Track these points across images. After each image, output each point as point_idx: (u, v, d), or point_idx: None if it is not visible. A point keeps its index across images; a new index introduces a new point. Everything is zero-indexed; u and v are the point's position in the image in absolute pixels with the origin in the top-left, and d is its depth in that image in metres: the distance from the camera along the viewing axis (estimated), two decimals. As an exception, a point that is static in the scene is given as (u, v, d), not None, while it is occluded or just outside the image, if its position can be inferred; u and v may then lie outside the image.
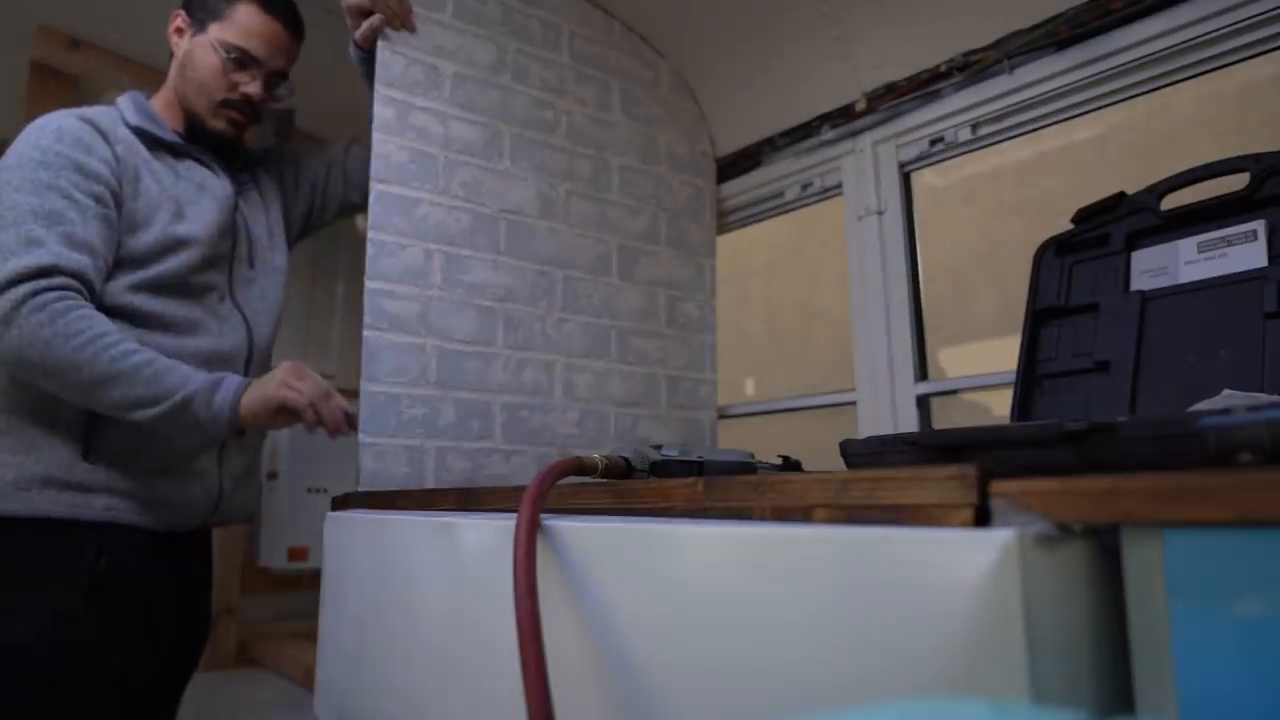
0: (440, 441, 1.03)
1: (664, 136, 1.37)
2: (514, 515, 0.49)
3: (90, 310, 0.85)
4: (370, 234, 1.02)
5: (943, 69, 1.17)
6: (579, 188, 1.24)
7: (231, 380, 0.89)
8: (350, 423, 0.93)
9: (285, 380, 0.90)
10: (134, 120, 0.97)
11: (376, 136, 1.03)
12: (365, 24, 1.03)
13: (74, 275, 0.85)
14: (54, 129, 0.91)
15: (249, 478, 1.08)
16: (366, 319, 0.99)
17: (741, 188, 1.46)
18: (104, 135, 0.93)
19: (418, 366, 1.03)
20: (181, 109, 1.01)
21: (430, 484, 1.01)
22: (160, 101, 1.02)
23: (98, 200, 0.89)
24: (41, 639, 0.87)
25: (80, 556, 0.90)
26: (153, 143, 0.98)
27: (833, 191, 1.35)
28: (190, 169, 1.01)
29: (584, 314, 1.23)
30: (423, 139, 1.08)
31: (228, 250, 1.02)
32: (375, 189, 1.03)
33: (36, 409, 0.90)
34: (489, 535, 0.60)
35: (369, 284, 1.00)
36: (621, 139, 1.31)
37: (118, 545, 0.92)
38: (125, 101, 0.99)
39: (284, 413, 0.90)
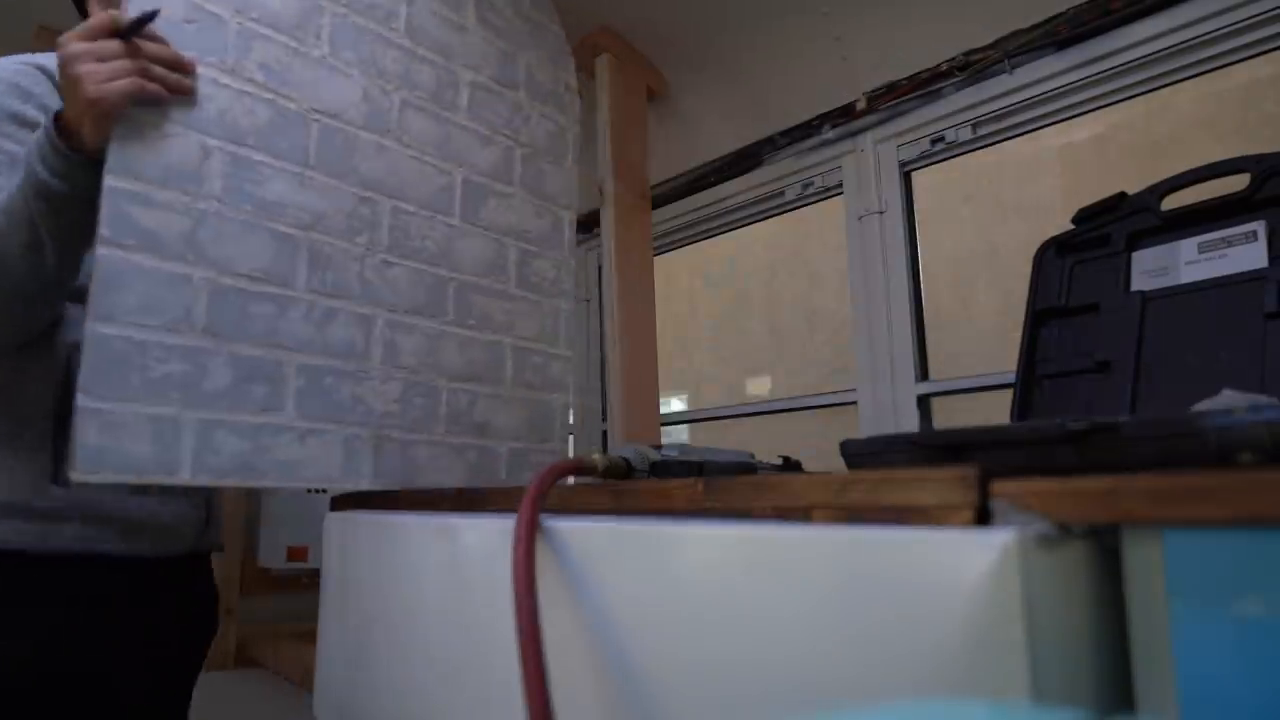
0: (205, 412, 0.75)
1: (524, 58, 1.14)
2: (513, 515, 0.49)
3: None
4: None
5: (943, 69, 1.17)
6: (418, 99, 0.99)
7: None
8: (135, 28, 0.71)
9: (69, 59, 0.69)
10: None
11: None
12: None
13: None
14: None
15: (221, 493, 0.99)
16: (102, 229, 0.70)
17: (741, 187, 1.46)
18: (52, 79, 0.80)
19: (179, 304, 0.74)
20: None
21: (185, 474, 0.73)
22: None
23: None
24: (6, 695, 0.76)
25: (50, 596, 0.78)
26: None
27: (833, 191, 1.35)
28: None
29: (415, 259, 0.96)
30: (208, -10, 0.79)
31: None
32: None
33: None
34: (489, 536, 0.60)
35: (108, 179, 0.71)
36: (474, 50, 1.07)
37: (94, 580, 0.81)
38: None
39: (86, 91, 0.68)
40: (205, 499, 0.93)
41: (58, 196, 0.71)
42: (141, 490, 0.84)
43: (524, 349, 1.08)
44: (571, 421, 1.18)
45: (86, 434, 0.68)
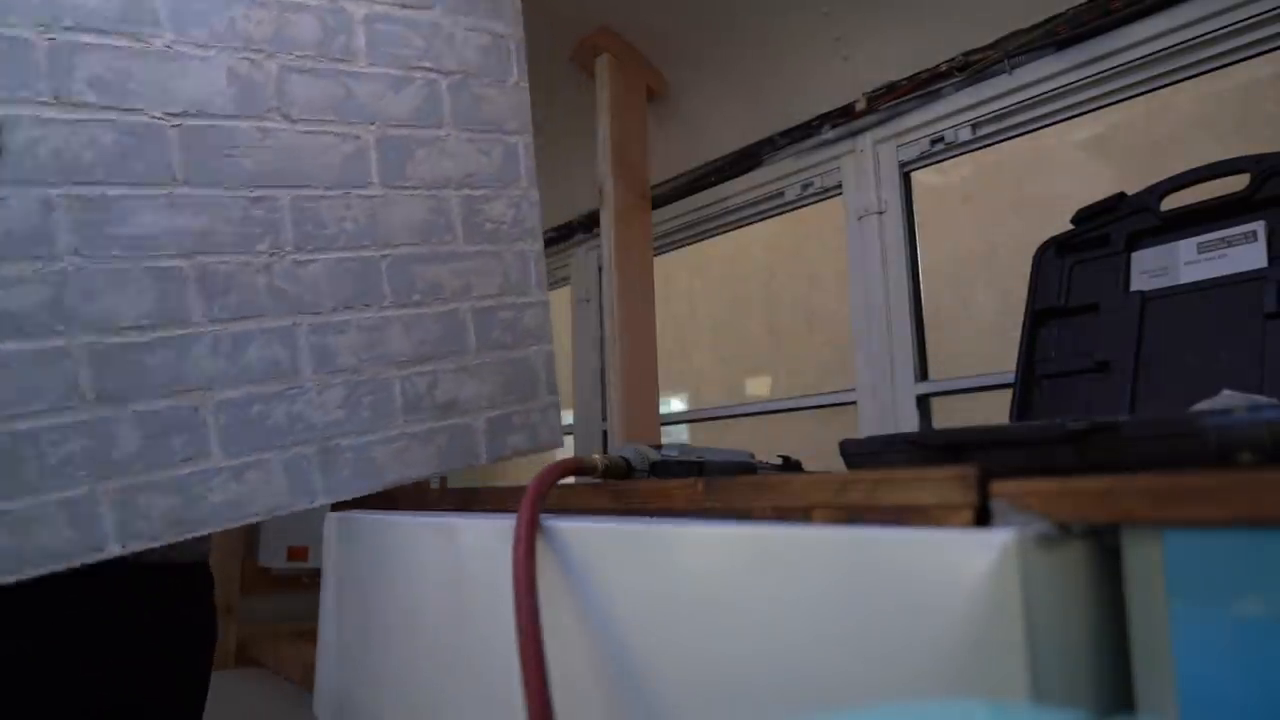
0: (120, 480, 0.69)
1: None
2: (513, 515, 0.49)
3: None
4: None
5: (943, 69, 1.17)
6: (299, 60, 0.83)
7: None
8: None
9: None
10: None
11: None
12: None
13: None
14: None
15: None
16: None
17: (741, 188, 1.46)
18: None
19: (60, 382, 0.67)
20: None
21: (114, 547, 0.68)
22: None
23: None
24: None
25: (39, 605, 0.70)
26: None
27: (833, 191, 1.35)
28: None
29: (333, 248, 0.84)
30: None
31: None
32: None
33: None
34: (489, 535, 0.60)
35: None
36: None
37: (91, 590, 0.73)
38: None
39: None
40: None
41: None
42: None
43: (487, 309, 0.95)
44: (557, 375, 1.04)
45: (-4, 540, 0.61)
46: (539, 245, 1.01)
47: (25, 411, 0.66)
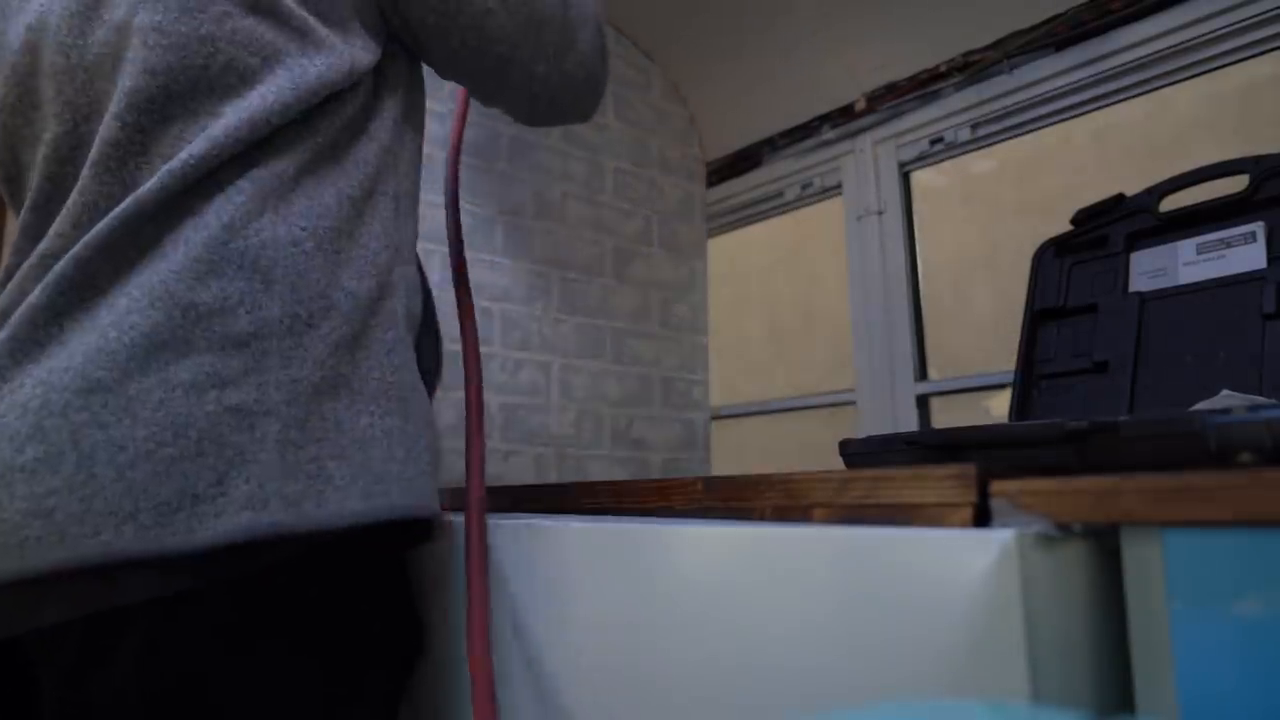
0: (446, 441, 1.03)
1: (655, 140, 1.41)
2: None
3: None
4: None
5: (942, 69, 1.17)
6: (574, 189, 1.27)
7: None
8: None
9: None
10: None
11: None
12: None
13: None
14: None
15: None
16: None
17: (741, 188, 1.46)
18: None
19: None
20: None
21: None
22: None
23: None
24: None
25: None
26: None
27: (832, 191, 1.35)
28: None
29: (580, 314, 1.24)
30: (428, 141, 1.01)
31: None
32: None
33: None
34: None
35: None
36: (615, 142, 1.34)
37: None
38: None
39: None
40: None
41: None
42: None
43: (669, 378, 1.36)
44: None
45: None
46: (705, 340, 1.44)
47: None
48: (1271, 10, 0.89)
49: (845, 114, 1.29)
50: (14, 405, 0.43)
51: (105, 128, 0.48)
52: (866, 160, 1.28)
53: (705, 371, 1.41)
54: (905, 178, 1.26)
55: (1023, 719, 0.24)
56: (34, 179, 0.52)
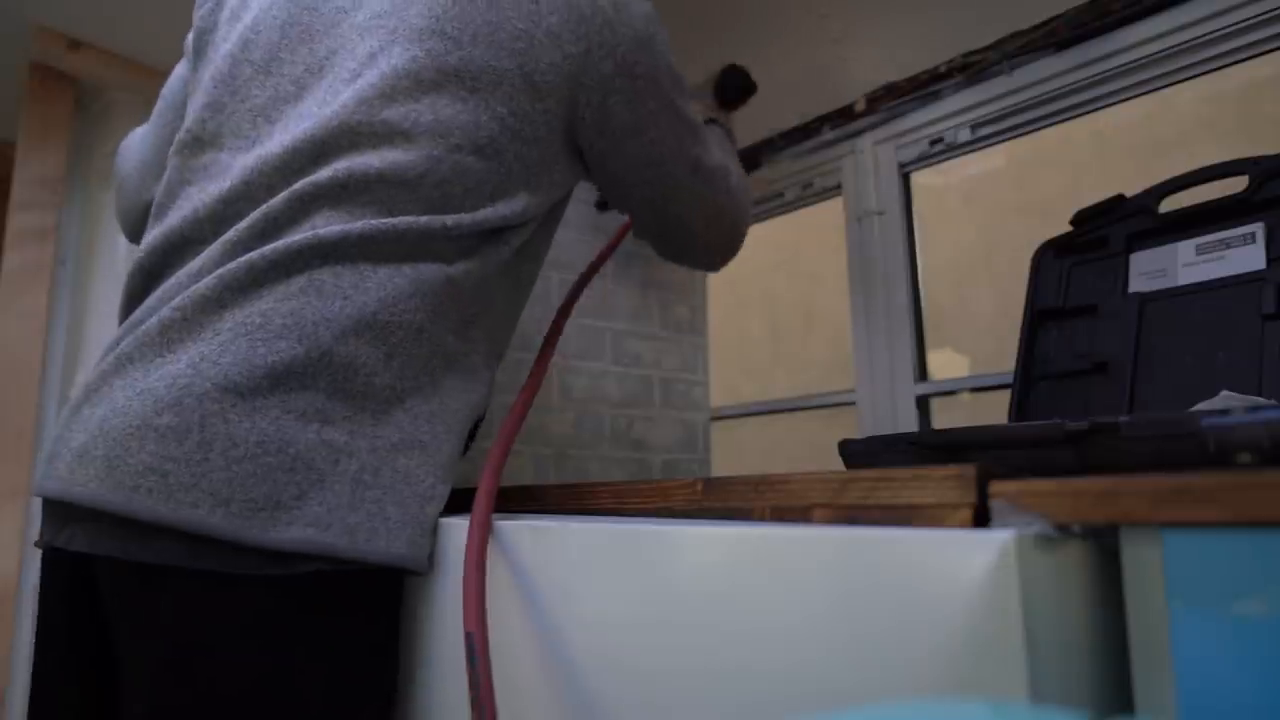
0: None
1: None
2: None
3: None
4: None
5: (942, 69, 1.17)
6: (578, 193, 1.25)
7: None
8: None
9: None
10: None
11: None
12: None
13: None
14: None
15: None
16: None
17: (741, 188, 1.46)
18: None
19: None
20: None
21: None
22: None
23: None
24: None
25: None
26: None
27: (833, 191, 1.35)
28: None
29: (580, 315, 1.24)
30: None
31: None
32: None
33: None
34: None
35: None
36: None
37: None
38: None
39: None
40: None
41: None
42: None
43: (669, 379, 1.36)
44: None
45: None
46: (705, 341, 1.44)
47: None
48: (1271, 10, 0.89)
49: (845, 114, 1.29)
50: (166, 375, 0.50)
51: (323, 171, 0.56)
52: (866, 161, 1.28)
53: (705, 372, 1.41)
54: (905, 178, 1.26)
55: (1022, 719, 0.24)
56: (235, 173, 0.58)
